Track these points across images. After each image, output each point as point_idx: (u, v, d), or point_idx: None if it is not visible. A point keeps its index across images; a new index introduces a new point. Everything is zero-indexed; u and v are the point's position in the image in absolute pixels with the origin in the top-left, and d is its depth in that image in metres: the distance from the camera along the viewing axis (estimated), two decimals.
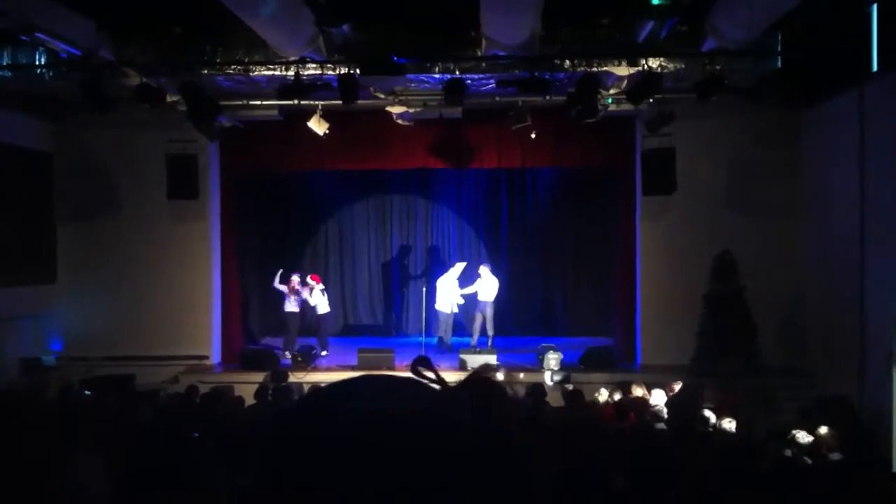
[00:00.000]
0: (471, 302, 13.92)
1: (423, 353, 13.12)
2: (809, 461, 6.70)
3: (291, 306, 13.62)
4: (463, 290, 13.91)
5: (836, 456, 6.71)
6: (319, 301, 13.79)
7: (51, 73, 10.76)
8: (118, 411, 7.82)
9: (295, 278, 13.72)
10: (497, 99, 11.77)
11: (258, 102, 12.13)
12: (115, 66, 10.42)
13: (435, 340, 14.15)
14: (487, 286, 13.66)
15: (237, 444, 5.86)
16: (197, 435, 6.24)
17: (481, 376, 0.97)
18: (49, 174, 13.23)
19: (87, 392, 9.73)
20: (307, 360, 12.60)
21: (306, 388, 9.68)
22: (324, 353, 13.64)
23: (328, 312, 14.04)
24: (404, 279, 16.41)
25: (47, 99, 12.04)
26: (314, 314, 13.86)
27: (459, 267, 14.09)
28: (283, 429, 0.91)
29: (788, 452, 6.91)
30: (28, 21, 8.83)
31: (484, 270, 13.76)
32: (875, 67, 9.96)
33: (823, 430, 6.95)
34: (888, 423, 9.38)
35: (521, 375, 11.87)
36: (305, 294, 13.72)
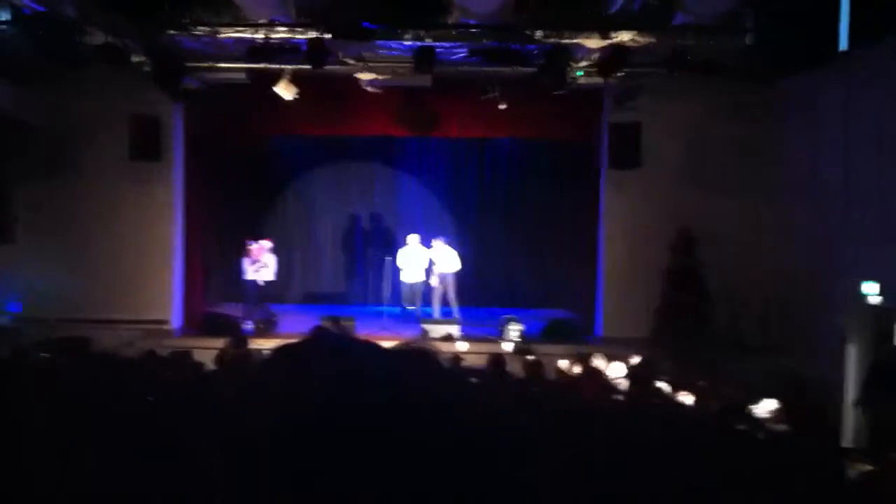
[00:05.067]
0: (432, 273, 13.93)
1: (385, 321, 13.19)
2: (762, 435, 6.82)
3: (252, 274, 13.45)
4: (424, 264, 13.90)
5: (783, 427, 6.84)
6: (271, 265, 13.65)
7: (13, 30, 10.48)
8: (74, 375, 7.70)
9: (254, 246, 13.53)
10: (466, 68, 11.70)
11: (225, 65, 11.95)
12: (79, 24, 10.18)
13: (398, 310, 14.17)
14: (444, 258, 13.67)
15: (202, 412, 5.82)
16: (152, 399, 6.20)
17: (414, 343, 0.99)
18: (6, 134, 12.91)
19: (42, 355, 9.58)
20: (268, 327, 12.57)
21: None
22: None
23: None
24: (367, 248, 16.32)
25: (7, 58, 11.71)
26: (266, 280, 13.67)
27: (414, 240, 14.08)
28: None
29: (742, 426, 7.02)
30: None
31: (437, 243, 13.75)
32: (845, 45, 10.05)
33: (774, 403, 7.07)
34: (840, 398, 9.59)
35: (483, 346, 11.93)
36: (265, 259, 13.55)
